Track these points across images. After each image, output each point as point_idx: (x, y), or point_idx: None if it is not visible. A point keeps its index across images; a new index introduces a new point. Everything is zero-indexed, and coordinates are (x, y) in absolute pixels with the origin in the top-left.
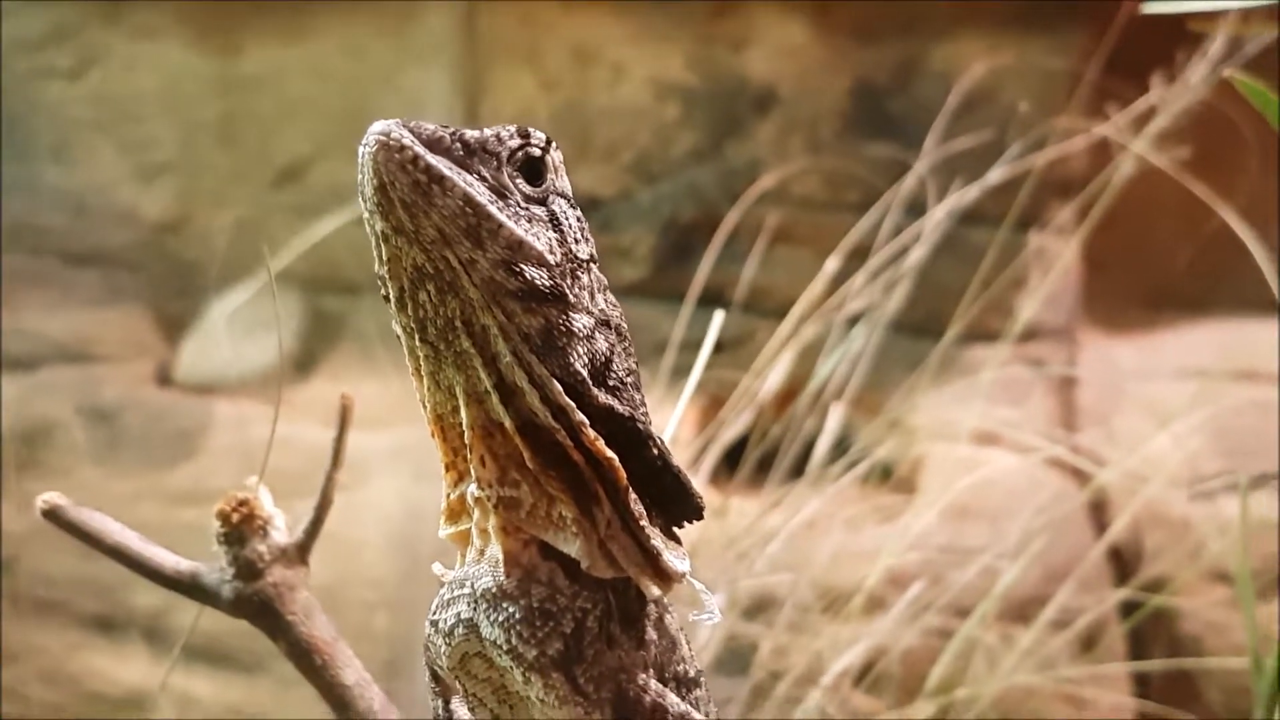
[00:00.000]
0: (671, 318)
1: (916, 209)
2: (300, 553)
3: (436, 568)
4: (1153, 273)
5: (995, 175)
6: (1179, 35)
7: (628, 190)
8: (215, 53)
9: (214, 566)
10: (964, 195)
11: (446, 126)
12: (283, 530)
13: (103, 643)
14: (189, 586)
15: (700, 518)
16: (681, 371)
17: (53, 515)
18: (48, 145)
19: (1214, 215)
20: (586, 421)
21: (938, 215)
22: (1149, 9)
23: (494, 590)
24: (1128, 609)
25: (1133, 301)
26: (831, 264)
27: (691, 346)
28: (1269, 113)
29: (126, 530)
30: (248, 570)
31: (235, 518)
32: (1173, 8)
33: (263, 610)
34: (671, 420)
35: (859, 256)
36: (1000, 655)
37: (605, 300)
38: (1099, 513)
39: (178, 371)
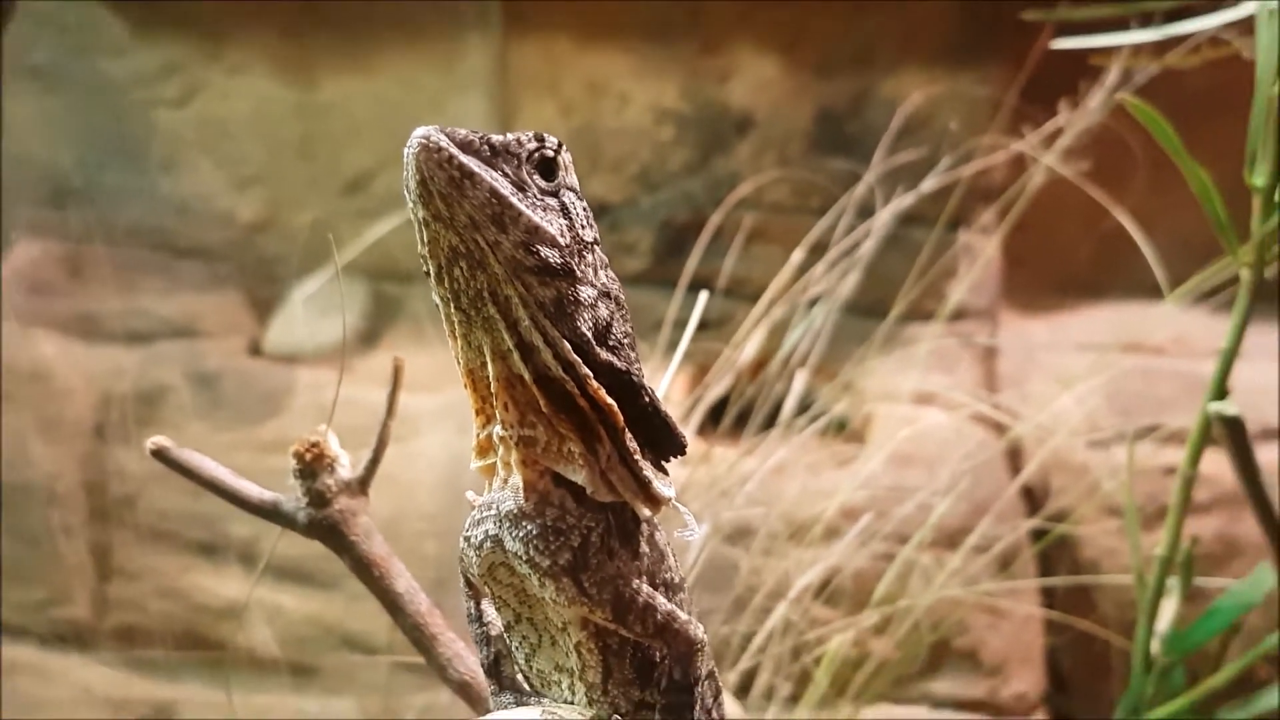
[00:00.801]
0: (667, 301)
1: (866, 211)
2: (361, 485)
3: (470, 495)
4: (1059, 264)
5: (930, 184)
6: (1082, 68)
7: (632, 197)
8: (295, 84)
9: (291, 497)
10: (904, 200)
11: (476, 131)
12: (347, 467)
13: (206, 565)
14: (271, 513)
15: (683, 453)
16: (675, 344)
17: (159, 454)
18: (160, 161)
19: (1109, 216)
20: (591, 374)
21: (883, 217)
22: (1057, 45)
23: (515, 512)
24: (1037, 536)
25: (1043, 288)
26: (796, 256)
27: (683, 324)
28: (1155, 130)
29: (220, 466)
30: (318, 499)
31: (308, 457)
32: (1076, 44)
33: (331, 532)
34: (664, 381)
35: (819, 250)
36: (933, 574)
37: (606, 275)
38: (1014, 459)
39: (266, 344)
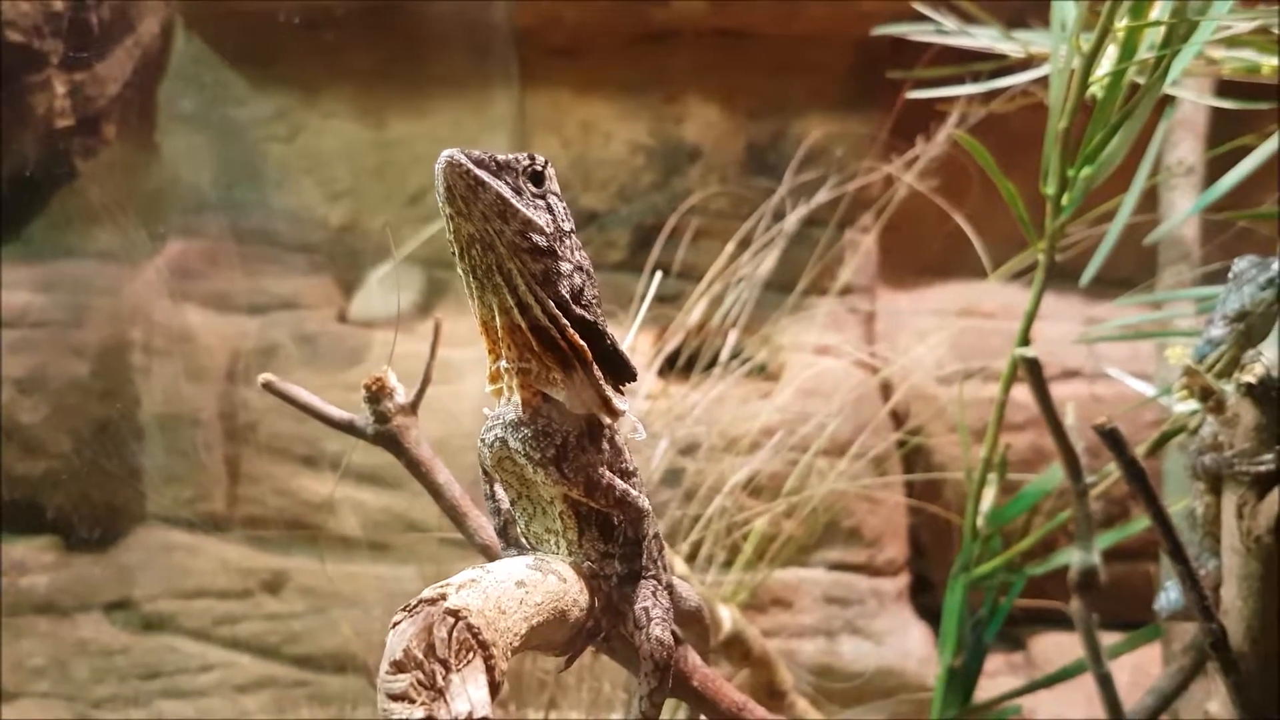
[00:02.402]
0: (637, 281)
1: (780, 215)
2: (412, 408)
3: (485, 410)
4: (918, 253)
5: (824, 196)
6: (933, 112)
7: (614, 207)
8: (371, 125)
9: (362, 416)
10: (807, 208)
11: (486, 152)
12: (402, 394)
13: (308, 471)
14: (348, 427)
15: (634, 379)
16: (645, 312)
17: (268, 386)
18: (273, 181)
19: (952, 218)
20: (569, 324)
21: (792, 220)
22: (912, 95)
23: (516, 420)
24: (901, 445)
25: (907, 270)
26: (730, 248)
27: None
28: (976, 154)
29: (311, 394)
30: (381, 418)
31: (374, 388)
32: (926, 94)
33: (391, 441)
34: (630, 334)
35: (746, 244)
36: (826, 473)
37: (580, 255)
38: (885, 391)
39: (350, 314)
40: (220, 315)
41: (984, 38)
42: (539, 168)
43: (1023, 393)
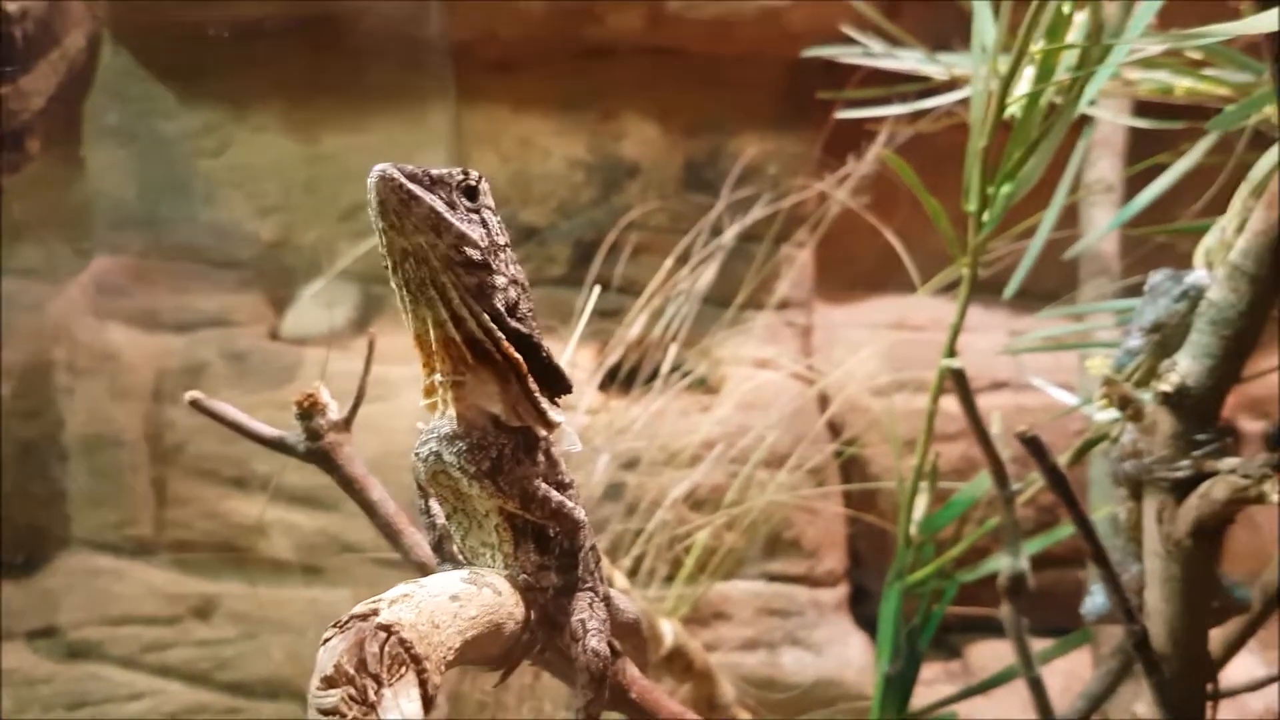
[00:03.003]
0: (578, 296)
1: (717, 231)
2: (345, 424)
3: (419, 424)
4: (851, 268)
5: (761, 212)
6: (864, 132)
7: (554, 223)
8: (303, 139)
9: (294, 433)
10: (743, 224)
11: (420, 167)
12: (335, 411)
13: (237, 493)
14: (279, 445)
15: (570, 392)
16: (585, 327)
17: (195, 404)
18: (202, 196)
19: (882, 235)
20: (504, 338)
21: (729, 235)
22: (842, 115)
23: (450, 434)
24: (838, 456)
25: (841, 284)
26: (669, 263)
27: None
28: (901, 172)
29: (240, 412)
30: (314, 434)
31: (306, 403)
32: (856, 114)
33: (323, 458)
34: (569, 348)
35: (685, 259)
36: (766, 484)
37: (515, 269)
38: (821, 403)
39: (281, 331)
40: (146, 333)
41: (909, 60)
42: (473, 182)
43: (954, 404)
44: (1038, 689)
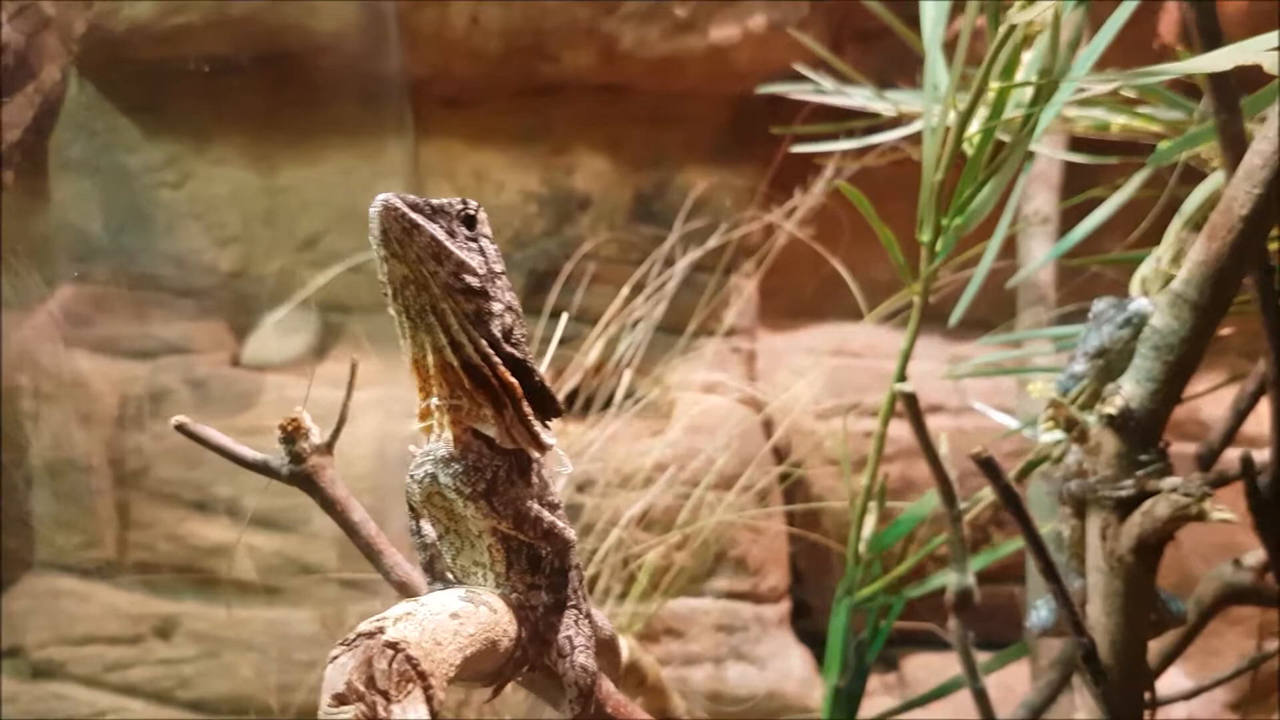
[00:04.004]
0: (534, 325)
1: (669, 262)
2: (327, 448)
3: (411, 447)
4: (794, 297)
5: (712, 243)
6: (807, 165)
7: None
8: (262, 172)
9: (276, 455)
10: (697, 254)
11: (421, 197)
12: (317, 435)
13: (198, 516)
14: (263, 468)
15: (560, 415)
16: (540, 355)
17: (180, 428)
18: (163, 227)
19: (826, 264)
20: (500, 363)
21: (680, 265)
22: (795, 149)
23: (446, 456)
24: (783, 478)
25: (784, 313)
26: (623, 293)
27: (546, 341)
28: (857, 202)
29: (224, 436)
30: (297, 458)
31: (290, 427)
32: (806, 149)
33: (306, 481)
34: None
35: (638, 289)
36: (715, 506)
37: (510, 295)
38: (767, 427)
39: (243, 358)
40: (110, 360)
41: (859, 97)
42: (471, 211)
43: (893, 427)
44: (982, 700)
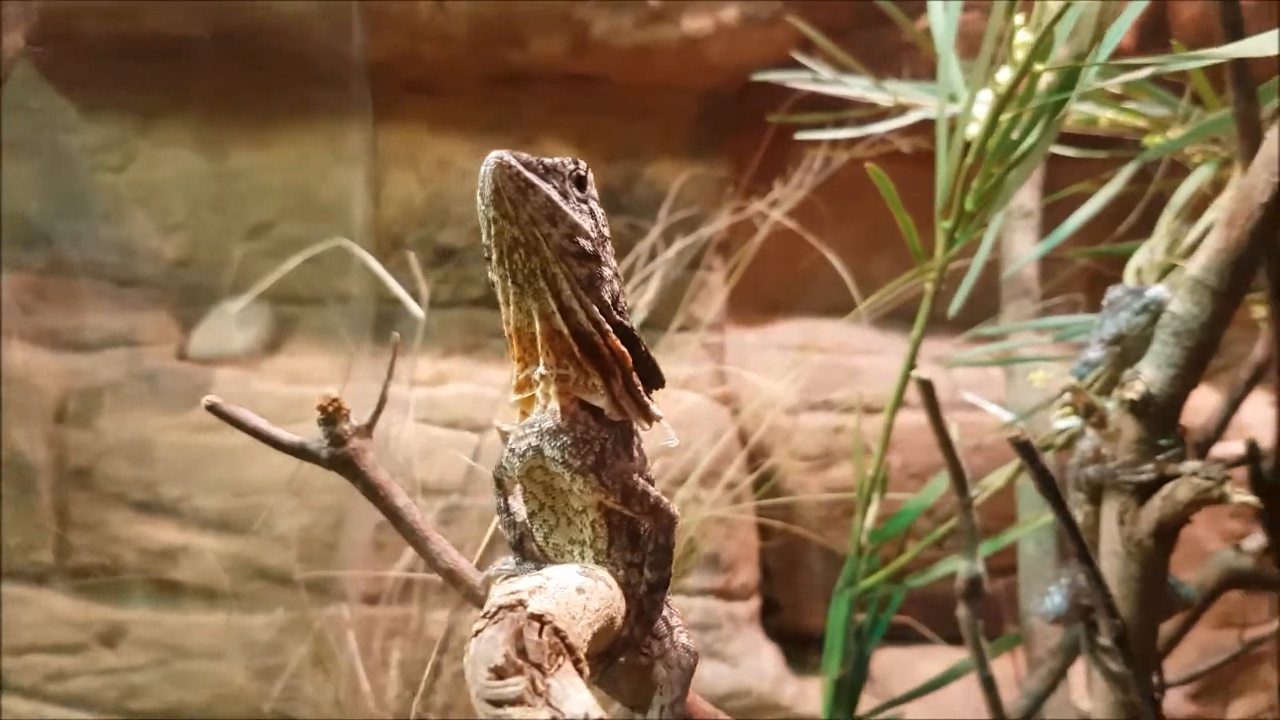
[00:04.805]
0: (497, 317)
1: (653, 255)
2: (368, 430)
3: (497, 423)
4: (765, 293)
5: (692, 238)
6: (784, 161)
7: (473, 244)
8: (210, 155)
9: (314, 439)
10: (681, 247)
11: (534, 156)
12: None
13: (145, 518)
14: (300, 451)
15: (663, 386)
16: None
17: (213, 408)
18: (103, 213)
19: (800, 260)
20: (610, 330)
21: (661, 260)
22: (801, 136)
23: (554, 428)
24: (765, 479)
25: (755, 309)
26: None
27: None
28: (883, 188)
29: (258, 418)
30: (337, 440)
31: (330, 408)
32: (811, 135)
33: (346, 464)
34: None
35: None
36: (689, 504)
37: (615, 261)
38: (738, 419)
39: (190, 351)
40: (50, 352)
41: (857, 87)
42: (583, 172)
43: (870, 422)
44: (990, 687)
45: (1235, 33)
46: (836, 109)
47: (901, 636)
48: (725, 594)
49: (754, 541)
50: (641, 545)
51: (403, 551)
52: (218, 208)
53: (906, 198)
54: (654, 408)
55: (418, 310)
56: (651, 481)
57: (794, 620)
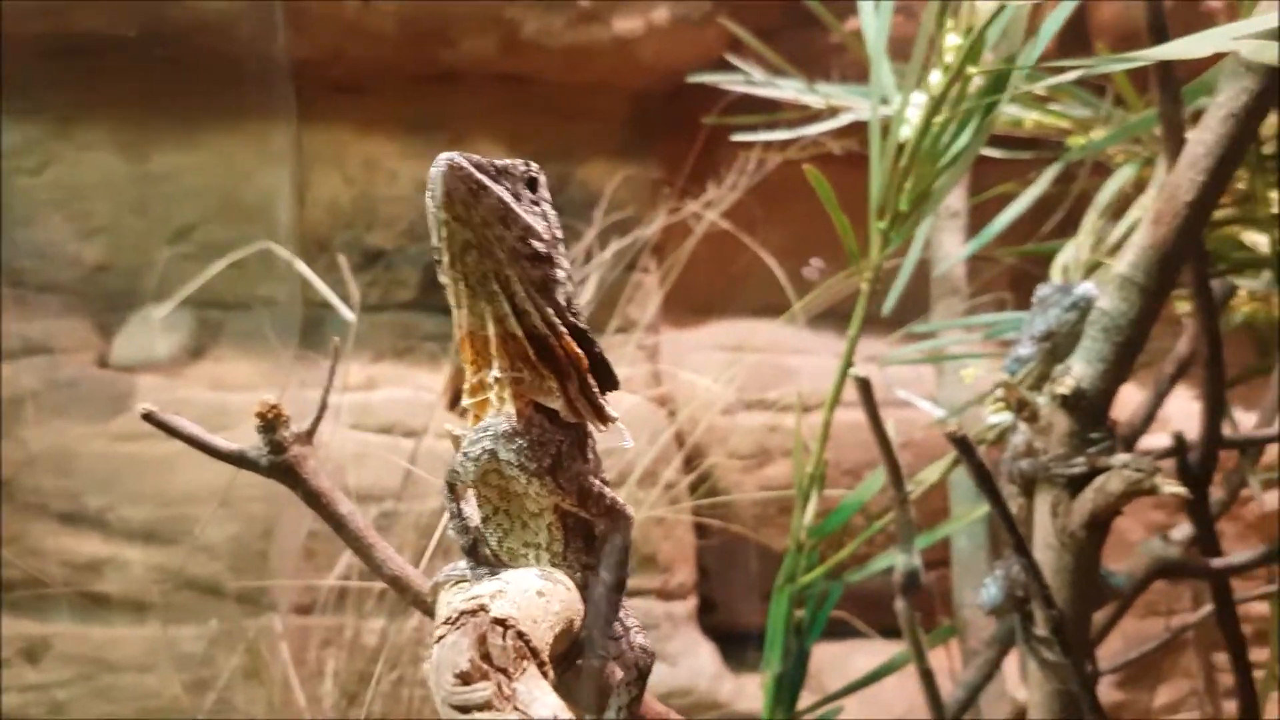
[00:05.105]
0: (429, 320)
1: (588, 258)
2: (308, 436)
3: (448, 426)
4: (699, 294)
5: (627, 240)
6: (716, 162)
7: (402, 246)
8: (132, 158)
9: (253, 446)
10: (616, 248)
11: (485, 158)
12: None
13: (68, 530)
14: (240, 459)
15: (618, 388)
16: (434, 352)
17: (149, 417)
18: (20, 217)
19: (734, 260)
20: (566, 332)
21: (597, 262)
22: (738, 137)
23: (509, 431)
24: (701, 482)
25: (689, 310)
26: None
27: (440, 337)
28: (820, 189)
29: (195, 426)
30: (277, 447)
31: (270, 415)
32: (746, 138)
33: (287, 472)
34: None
35: None
36: (642, 502)
37: (568, 262)
38: (674, 422)
39: (111, 359)
40: None
41: (790, 89)
42: (535, 174)
43: (807, 417)
44: (929, 680)
45: (1160, 35)
46: (769, 110)
47: (837, 632)
48: (663, 594)
49: (691, 541)
50: (597, 547)
51: (336, 560)
52: (139, 211)
53: (839, 198)
54: (609, 409)
55: (349, 314)
56: (606, 483)
57: (730, 618)
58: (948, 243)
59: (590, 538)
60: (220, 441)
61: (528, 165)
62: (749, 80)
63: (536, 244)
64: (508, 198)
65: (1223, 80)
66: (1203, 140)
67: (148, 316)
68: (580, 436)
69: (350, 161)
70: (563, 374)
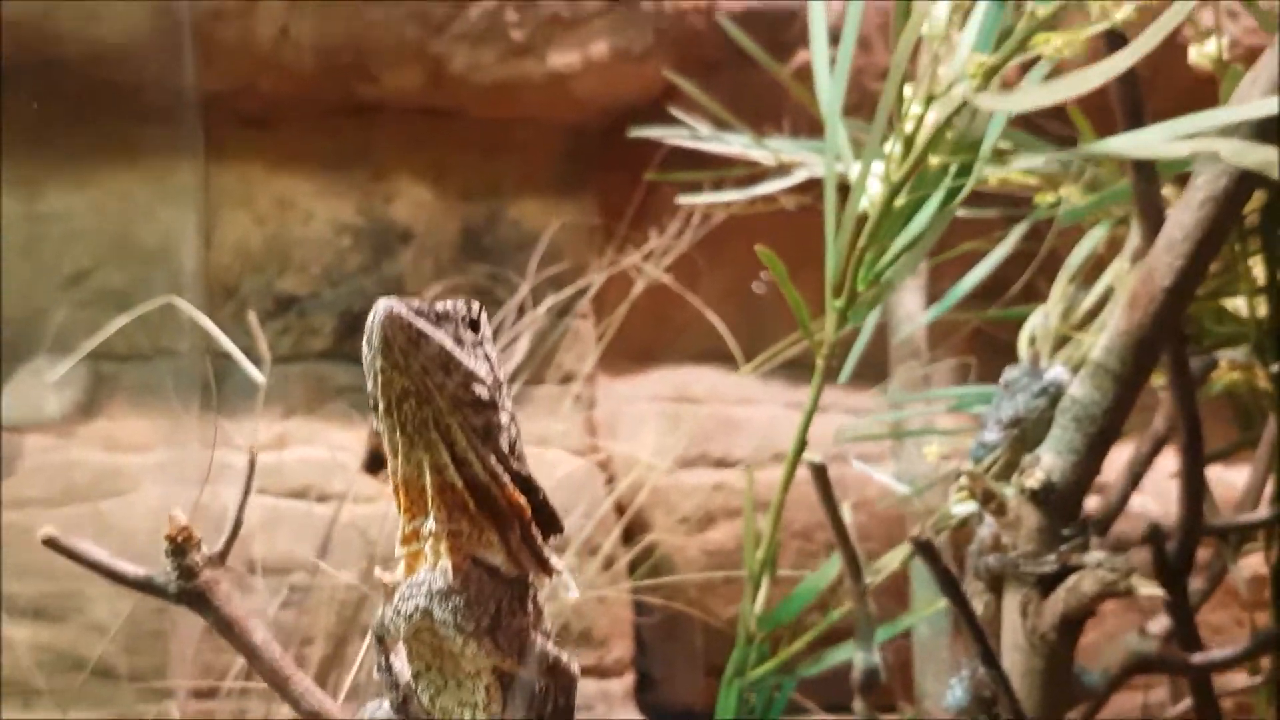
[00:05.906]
0: (344, 372)
1: (521, 311)
2: (221, 559)
3: (378, 572)
4: (636, 341)
5: (567, 291)
6: (659, 203)
7: (317, 291)
8: (21, 197)
9: (160, 571)
10: (553, 301)
11: (425, 302)
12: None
13: None
14: (146, 586)
15: (562, 533)
16: (350, 407)
17: (50, 543)
18: None
19: (673, 306)
20: (508, 481)
21: (534, 315)
22: (682, 200)
23: (445, 589)
24: (627, 538)
25: (626, 357)
26: None
27: (356, 389)
28: (772, 266)
29: (100, 551)
30: (187, 573)
31: (180, 538)
32: (692, 200)
33: (198, 599)
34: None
35: None
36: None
37: (511, 404)
38: (611, 483)
39: None
40: None
41: (737, 144)
42: (475, 315)
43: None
44: None
45: (1135, 119)
46: (716, 163)
47: (788, 709)
48: (598, 671)
49: (628, 616)
50: (539, 706)
51: None
52: (29, 254)
53: (790, 248)
54: (554, 559)
55: (258, 375)
56: (549, 635)
57: (670, 696)
58: (908, 302)
59: (531, 697)
60: (127, 567)
61: (469, 306)
62: (694, 135)
63: (479, 389)
64: (449, 344)
65: (1200, 161)
66: (1180, 223)
67: (37, 371)
68: (522, 587)
69: (261, 200)
70: (504, 524)
